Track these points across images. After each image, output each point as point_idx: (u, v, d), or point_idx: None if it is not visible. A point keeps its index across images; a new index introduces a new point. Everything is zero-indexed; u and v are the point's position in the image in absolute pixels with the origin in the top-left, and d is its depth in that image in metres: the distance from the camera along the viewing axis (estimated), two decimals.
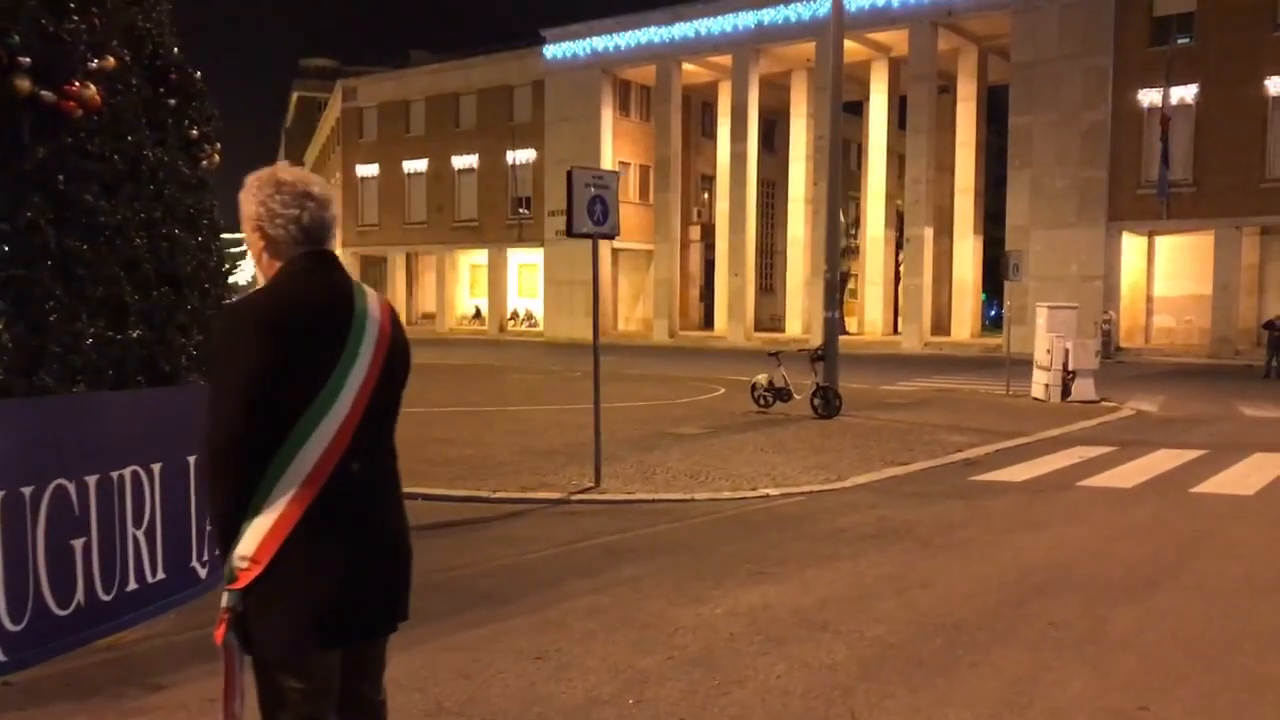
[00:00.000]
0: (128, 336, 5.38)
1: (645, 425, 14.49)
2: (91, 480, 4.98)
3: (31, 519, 4.66)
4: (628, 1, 47.00)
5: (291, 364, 2.38)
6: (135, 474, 5.28)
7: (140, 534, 5.33)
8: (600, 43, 46.44)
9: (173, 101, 6.30)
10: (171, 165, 6.13)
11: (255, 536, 2.39)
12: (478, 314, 55.77)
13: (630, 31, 45.46)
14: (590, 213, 9.68)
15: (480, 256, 54.39)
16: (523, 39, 50.33)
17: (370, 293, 2.63)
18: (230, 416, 2.35)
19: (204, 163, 6.79)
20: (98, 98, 5.16)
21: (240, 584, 2.41)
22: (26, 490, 4.64)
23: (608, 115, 47.01)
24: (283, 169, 2.61)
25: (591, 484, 9.78)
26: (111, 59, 5.33)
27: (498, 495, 9.31)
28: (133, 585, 5.29)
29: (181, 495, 5.65)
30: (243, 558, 2.41)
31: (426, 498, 9.24)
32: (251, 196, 2.56)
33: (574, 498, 9.26)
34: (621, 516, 8.50)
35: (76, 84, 5.04)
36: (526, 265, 52.84)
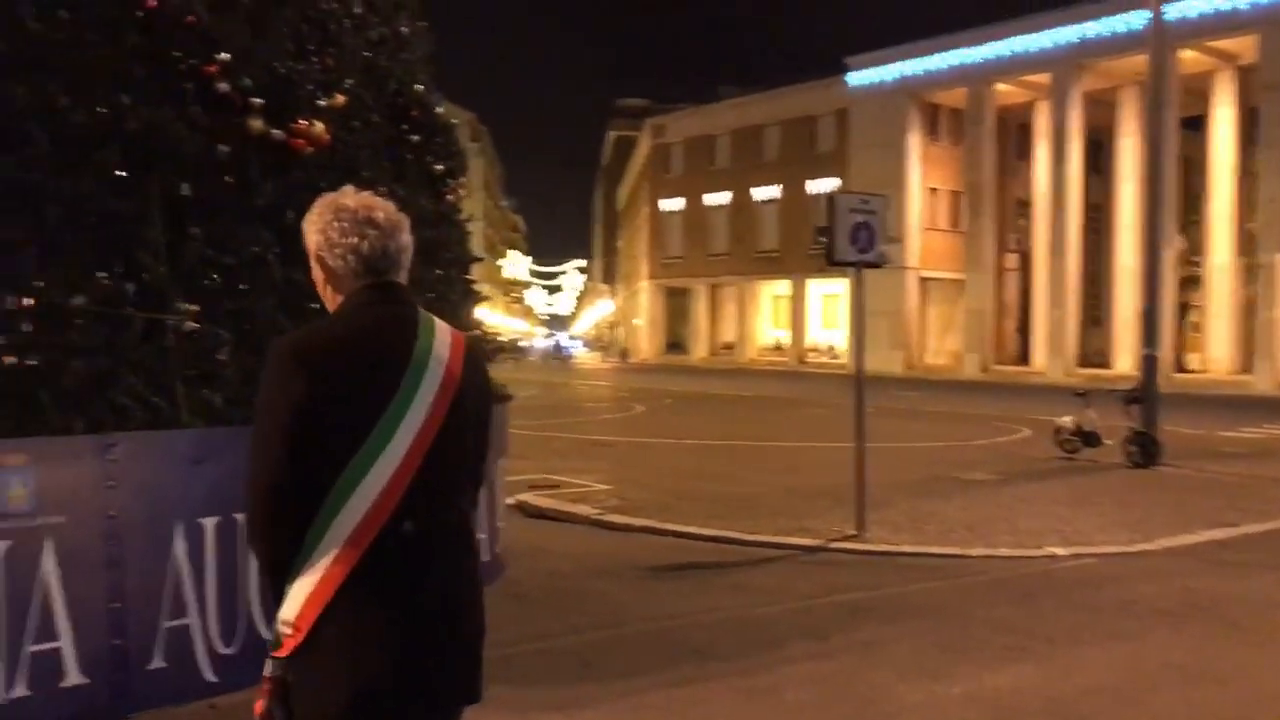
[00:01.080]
0: None
1: (930, 468, 13.52)
2: (209, 522, 5.04)
3: (244, 544, 4.77)
4: (934, 24, 45.37)
5: (331, 408, 2.10)
6: None
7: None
8: (907, 67, 45.09)
9: (415, 138, 6.43)
10: (409, 199, 6.23)
11: (297, 600, 2.13)
12: (779, 346, 55.54)
13: (939, 54, 43.81)
14: (854, 239, 9.07)
15: (782, 287, 54.20)
16: (826, 69, 49.85)
17: (441, 330, 2.32)
18: (265, 465, 2.11)
19: (448, 197, 6.90)
20: (326, 135, 5.29)
21: (283, 652, 2.16)
22: (240, 516, 4.75)
23: (914, 141, 45.47)
24: (347, 194, 2.36)
25: (854, 531, 9.11)
26: (341, 97, 5.47)
27: (748, 538, 8.86)
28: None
29: None
30: (285, 623, 2.15)
31: (675, 535, 8.97)
32: (312, 225, 2.33)
33: (831, 545, 8.64)
34: (878, 570, 7.80)
35: (304, 122, 5.18)
36: (830, 296, 52.01)
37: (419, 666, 2.16)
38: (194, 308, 4.68)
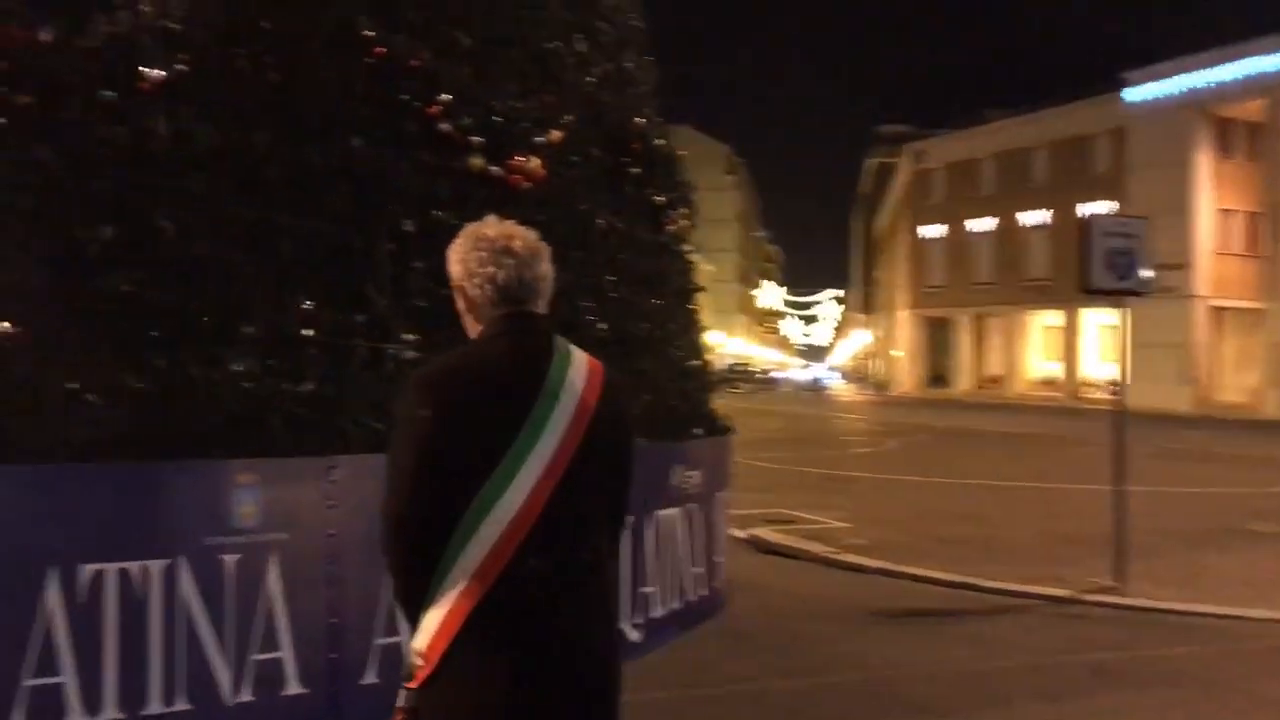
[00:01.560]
0: None
1: (1210, 517, 12.23)
2: None
3: None
4: (1216, 34, 41.73)
5: (458, 439, 2.08)
6: None
7: None
8: (1193, 79, 41.63)
9: (635, 170, 6.49)
10: (628, 231, 6.30)
11: (427, 631, 2.12)
12: (1050, 380, 52.38)
13: (1229, 64, 40.17)
14: (1112, 265, 8.36)
15: (1053, 317, 51.17)
16: (1099, 86, 46.81)
17: (578, 361, 2.25)
18: (395, 494, 2.11)
19: (669, 228, 6.92)
20: (542, 170, 5.42)
21: (414, 683, 2.15)
22: None
23: (1203, 158, 41.87)
24: (488, 224, 2.35)
25: (1112, 583, 8.32)
26: (558, 133, 5.59)
27: (990, 585, 8.28)
28: None
29: None
30: (416, 653, 2.14)
31: (911, 578, 8.53)
32: (454, 254, 2.33)
33: (1084, 597, 7.93)
34: (1134, 628, 7.08)
35: (521, 158, 5.33)
36: (1108, 327, 48.58)
37: (543, 707, 2.08)
38: (415, 337, 4.88)
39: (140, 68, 4.23)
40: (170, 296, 4.24)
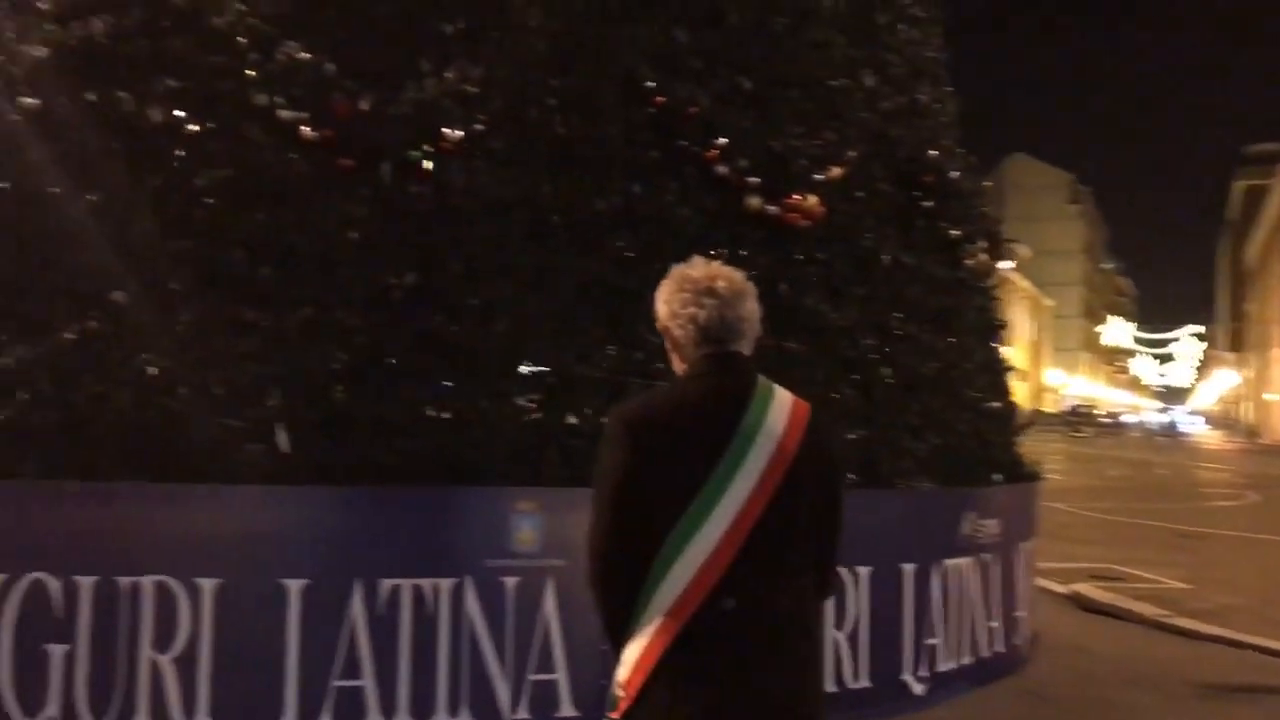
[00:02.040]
0: (842, 436, 5.43)
1: None
2: None
3: None
4: None
5: (653, 477, 2.11)
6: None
7: (841, 635, 5.28)
8: None
9: (928, 203, 6.29)
10: (919, 266, 6.11)
11: (627, 664, 2.16)
12: None
13: None
14: None
15: None
16: None
17: (779, 403, 2.21)
18: (596, 529, 2.17)
19: (967, 262, 6.63)
20: (820, 208, 5.39)
21: (615, 714, 2.19)
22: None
23: None
24: (694, 265, 2.36)
25: None
26: (838, 169, 5.53)
27: None
28: (830, 687, 5.25)
29: (890, 602, 5.46)
30: (618, 684, 2.18)
31: (1255, 649, 7.56)
32: (660, 295, 2.37)
33: None
34: None
35: (798, 196, 5.33)
36: None
37: None
38: None
39: (443, 129, 4.65)
40: (462, 335, 4.61)
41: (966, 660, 5.96)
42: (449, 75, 4.72)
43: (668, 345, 2.41)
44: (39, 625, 4.19)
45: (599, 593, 2.23)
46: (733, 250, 5.24)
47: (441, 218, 4.67)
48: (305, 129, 4.58)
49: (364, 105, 4.61)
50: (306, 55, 4.62)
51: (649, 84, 5.12)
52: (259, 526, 4.42)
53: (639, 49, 5.20)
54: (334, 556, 4.38)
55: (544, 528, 4.58)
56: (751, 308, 2.35)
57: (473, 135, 4.75)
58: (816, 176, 5.46)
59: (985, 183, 7.63)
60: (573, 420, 4.72)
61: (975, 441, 6.32)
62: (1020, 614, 6.61)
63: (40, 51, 4.62)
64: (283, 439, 4.41)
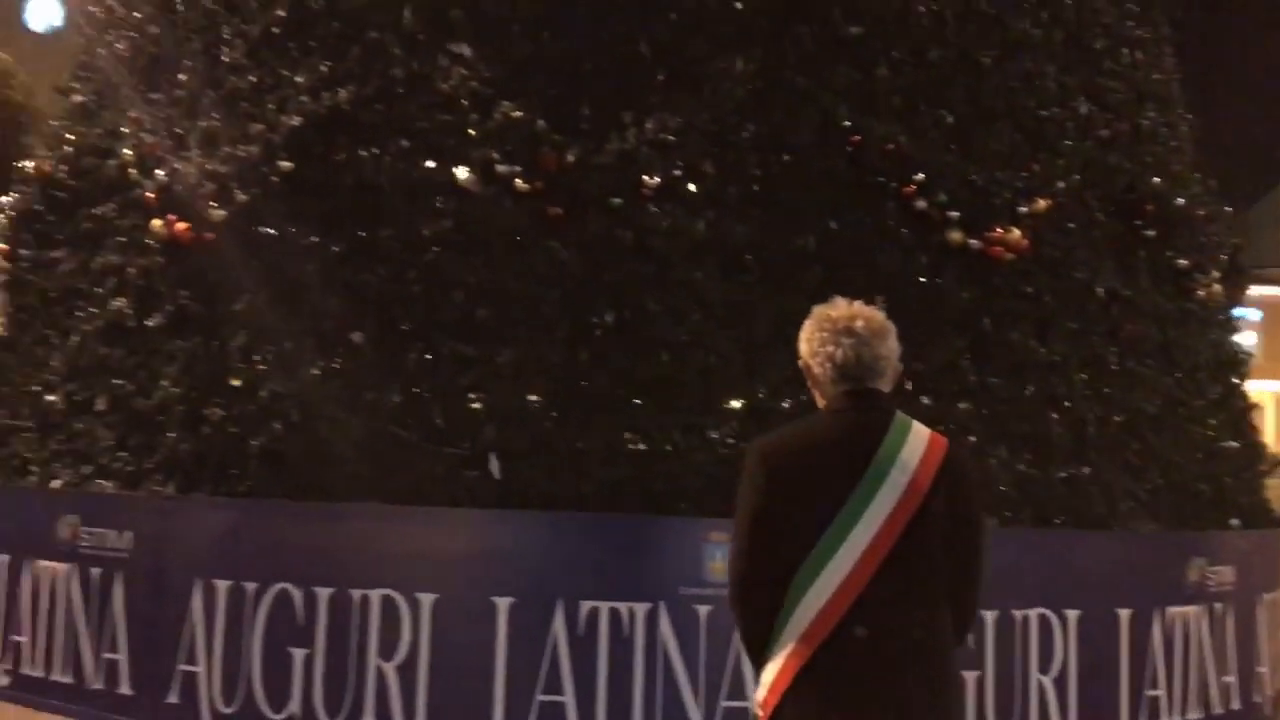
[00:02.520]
0: (1049, 474, 5.26)
1: None
2: (989, 615, 4.98)
3: None
4: None
5: (786, 508, 2.22)
6: (1043, 617, 5.09)
7: (1047, 679, 5.10)
8: None
9: (1150, 233, 6.01)
10: (1138, 299, 5.84)
11: (764, 684, 2.27)
12: None
13: None
14: None
15: None
16: None
17: (915, 439, 2.26)
18: (735, 554, 2.30)
19: (1198, 293, 6.27)
20: (1025, 240, 5.28)
21: None
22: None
23: None
24: (835, 305, 2.45)
25: None
26: (1044, 201, 5.39)
27: None
28: None
29: (1104, 649, 5.21)
30: (757, 704, 2.29)
31: None
32: (803, 334, 2.47)
33: None
34: None
35: (1001, 229, 5.24)
36: None
37: None
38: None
39: (643, 176, 4.92)
40: (660, 371, 4.83)
41: (1195, 715, 5.58)
42: (649, 125, 4.99)
43: (809, 382, 2.51)
44: (283, 630, 4.72)
45: (738, 615, 2.35)
46: (932, 284, 5.22)
47: (640, 259, 4.93)
48: (518, 181, 4.96)
49: (571, 157, 4.94)
50: (520, 113, 5.00)
51: (845, 123, 5.20)
52: (473, 547, 4.79)
53: (836, 89, 5.30)
54: (538, 577, 4.67)
55: None
56: (891, 346, 2.42)
57: (671, 181, 4.98)
58: (1021, 209, 5.35)
59: (1226, 208, 7.18)
60: None
61: (1207, 483, 5.94)
62: (1261, 670, 6.11)
63: (295, 120, 5.24)
64: (495, 467, 4.77)
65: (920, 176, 5.19)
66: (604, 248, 4.95)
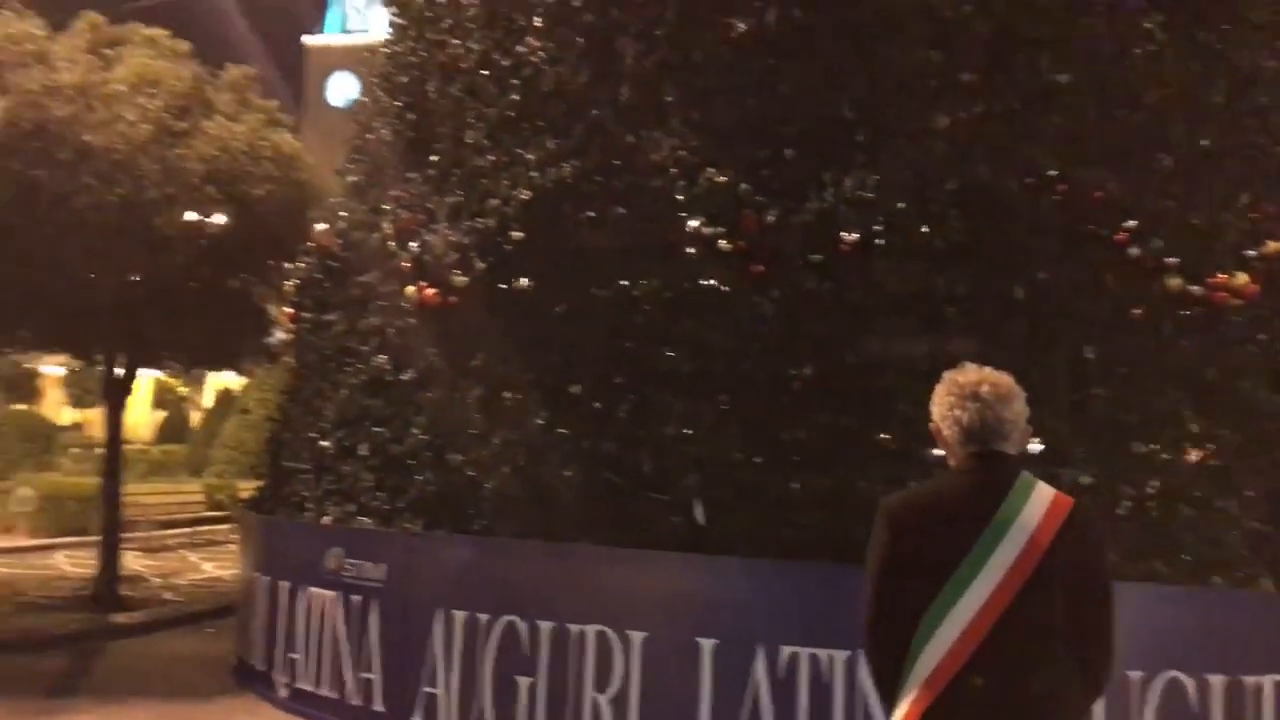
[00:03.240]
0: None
1: None
2: (1217, 681, 4.72)
3: (1140, 704, 4.70)
4: None
5: (908, 561, 2.34)
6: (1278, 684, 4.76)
7: None
8: None
9: None
10: None
11: None
12: None
13: None
14: None
15: None
16: None
17: (1039, 499, 2.33)
18: (864, 603, 2.43)
19: None
20: (1252, 286, 5.02)
21: None
22: (1135, 675, 4.70)
23: None
24: (964, 370, 2.54)
25: None
26: (1275, 244, 5.11)
27: None
28: None
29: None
30: None
31: None
32: (934, 397, 2.57)
33: None
34: None
35: (1224, 275, 5.02)
36: None
37: None
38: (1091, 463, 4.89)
39: (841, 233, 5.10)
40: (858, 422, 4.96)
41: None
42: (848, 183, 5.16)
43: (940, 444, 2.62)
44: (511, 660, 5.16)
45: (868, 660, 2.50)
46: (1153, 334, 5.06)
47: (839, 314, 5.09)
48: (722, 242, 5.26)
49: (770, 217, 5.19)
50: (723, 178, 5.31)
51: (1052, 172, 5.16)
52: (679, 589, 5.07)
53: (1043, 138, 5.27)
54: (741, 621, 4.88)
55: None
56: (1016, 410, 2.49)
57: (871, 236, 5.12)
58: (1249, 252, 5.09)
59: None
60: None
61: None
62: None
63: (525, 194, 5.79)
64: (700, 513, 5.05)
65: (1133, 223, 5.05)
66: (804, 302, 5.15)
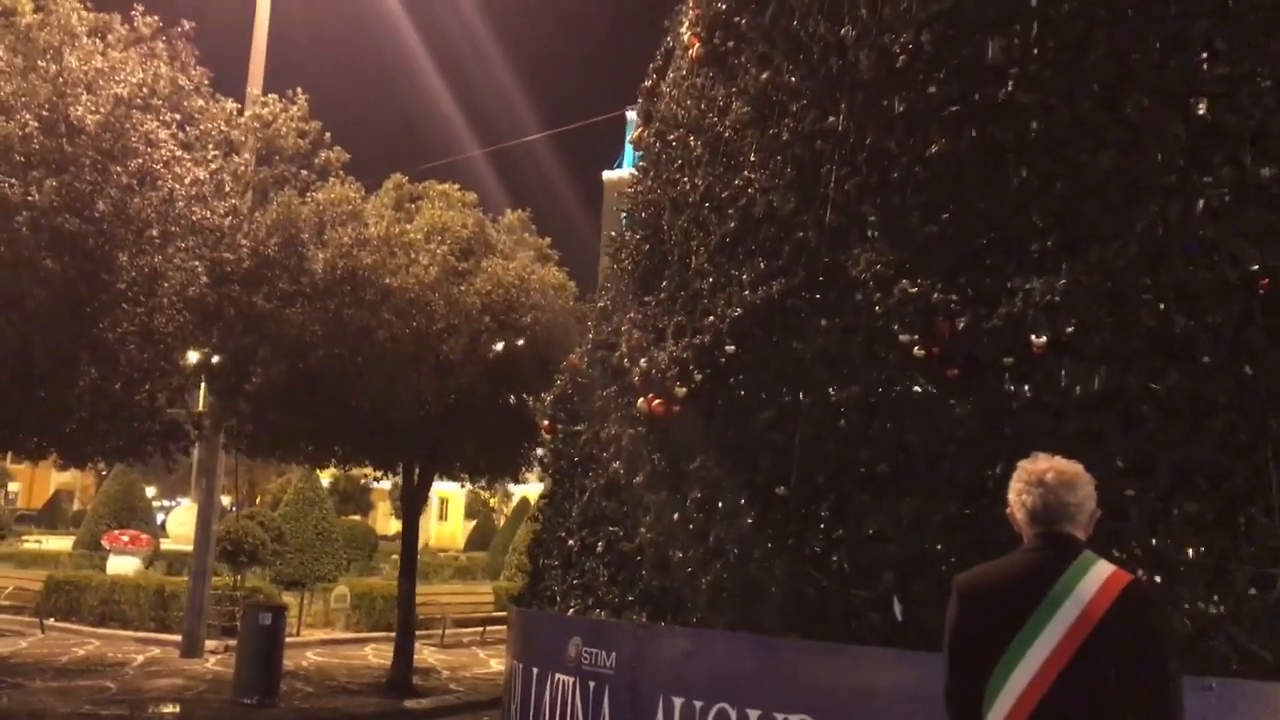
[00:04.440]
0: None
1: None
2: None
3: None
4: None
5: (975, 632, 2.58)
6: None
7: None
8: None
9: None
10: None
11: None
12: None
13: None
14: None
15: None
16: None
17: (1095, 574, 2.53)
18: (945, 671, 2.67)
19: None
20: None
21: None
22: None
23: None
24: (1037, 459, 2.77)
25: None
26: None
27: None
28: None
29: None
30: None
31: None
32: (1011, 483, 2.81)
33: None
34: None
35: None
36: None
37: None
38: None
39: (1030, 336, 5.26)
40: None
41: None
42: (1035, 287, 5.34)
43: (1014, 525, 2.85)
44: None
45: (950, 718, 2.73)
46: None
47: (1032, 414, 5.22)
48: (917, 348, 5.55)
49: (962, 323, 5.44)
50: (915, 289, 5.63)
51: (1254, 267, 5.10)
52: (879, 683, 5.25)
53: (1245, 233, 5.23)
54: (938, 714, 4.99)
55: None
56: (1082, 494, 2.71)
57: (1064, 338, 5.25)
58: None
59: None
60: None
61: None
62: None
63: (737, 311, 6.34)
64: (898, 609, 5.25)
65: None
66: (997, 404, 5.32)
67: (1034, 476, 2.81)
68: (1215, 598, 4.75)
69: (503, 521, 38.99)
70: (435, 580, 22.88)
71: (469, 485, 14.17)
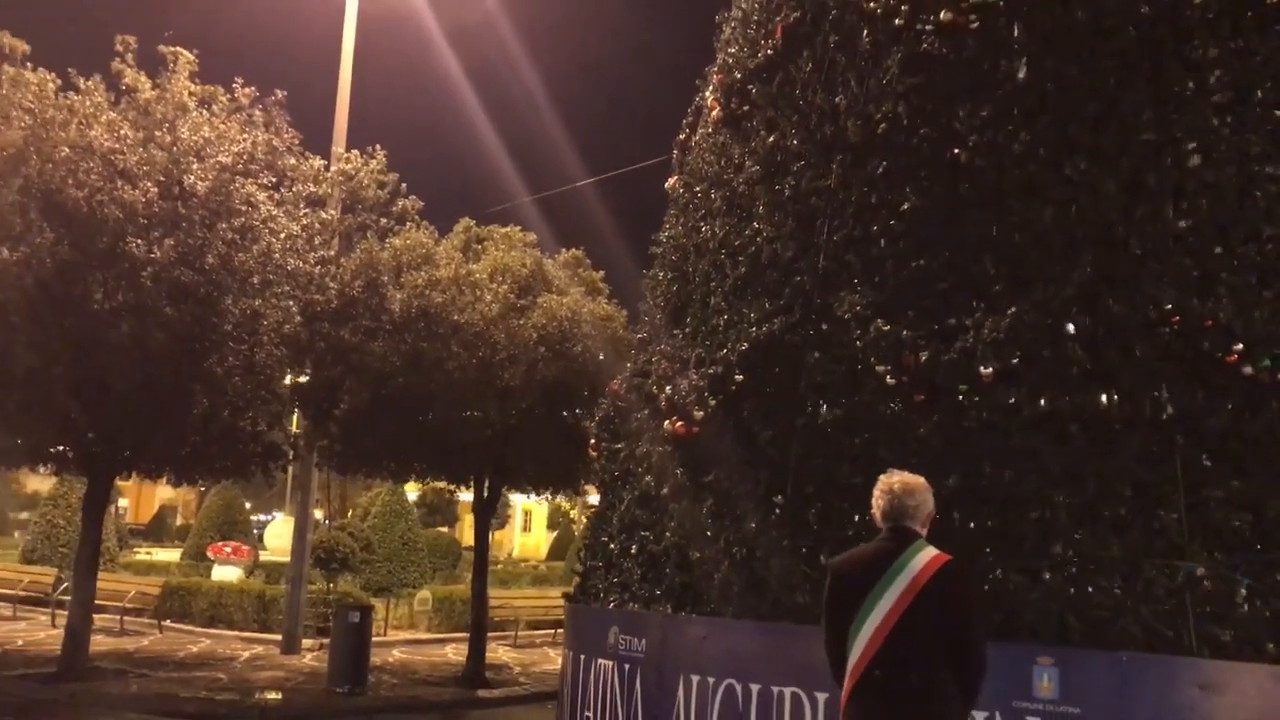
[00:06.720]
0: None
1: None
2: None
3: None
4: None
5: (840, 598, 3.65)
6: None
7: None
8: None
9: None
10: None
11: (842, 698, 3.65)
12: None
13: None
14: None
15: None
16: None
17: (923, 556, 3.58)
18: (823, 627, 3.74)
19: None
20: None
21: None
22: None
23: None
24: (890, 474, 3.83)
25: None
26: None
27: None
28: None
29: None
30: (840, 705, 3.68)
31: None
32: (874, 490, 3.86)
33: None
34: None
35: None
36: None
37: None
38: (1213, 556, 5.59)
39: (980, 368, 6.25)
40: (999, 522, 6.00)
41: None
42: (985, 327, 6.32)
43: (876, 522, 3.89)
44: (728, 713, 6.57)
45: (829, 663, 3.79)
46: (1267, 440, 5.71)
47: (983, 434, 6.20)
48: (889, 377, 6.57)
49: (924, 356, 6.45)
50: (889, 327, 6.65)
51: (1168, 307, 6.01)
52: None
53: (1164, 278, 6.14)
54: None
55: (1062, 680, 5.60)
56: (919, 499, 3.76)
57: (1009, 368, 6.23)
58: None
59: None
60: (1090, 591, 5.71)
61: None
62: None
63: (745, 345, 7.42)
64: None
65: (1239, 346, 5.78)
66: (953, 426, 6.32)
67: (886, 486, 3.88)
68: (1130, 586, 5.68)
69: (579, 531, 40.32)
70: (514, 587, 24.22)
71: (534, 496, 15.43)
